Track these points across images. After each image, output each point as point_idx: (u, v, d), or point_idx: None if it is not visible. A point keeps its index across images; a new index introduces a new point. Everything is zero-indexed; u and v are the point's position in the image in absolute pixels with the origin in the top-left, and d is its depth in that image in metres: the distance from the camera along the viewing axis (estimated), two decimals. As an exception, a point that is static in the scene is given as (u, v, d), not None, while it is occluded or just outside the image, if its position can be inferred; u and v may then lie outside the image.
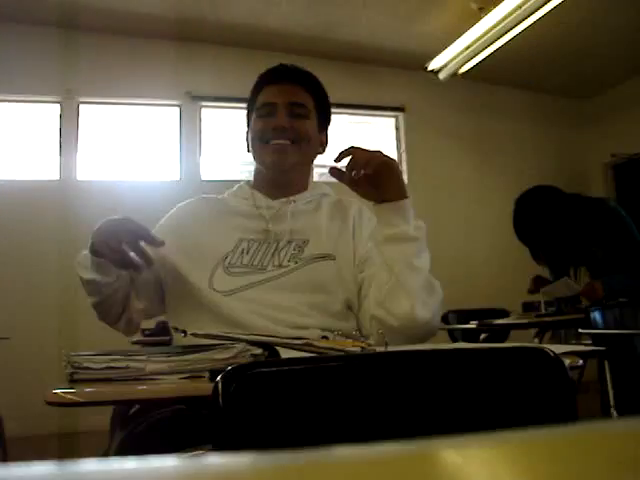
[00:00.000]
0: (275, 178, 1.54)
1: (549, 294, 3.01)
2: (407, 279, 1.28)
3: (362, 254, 1.47)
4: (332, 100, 1.62)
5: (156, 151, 5.52)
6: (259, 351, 0.92)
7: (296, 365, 0.80)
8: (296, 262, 1.42)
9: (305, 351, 0.92)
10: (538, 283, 3.13)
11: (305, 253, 1.43)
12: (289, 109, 1.50)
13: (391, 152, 6.18)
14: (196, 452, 0.95)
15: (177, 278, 1.44)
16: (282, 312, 1.33)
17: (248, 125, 1.58)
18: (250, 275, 1.39)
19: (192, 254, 1.45)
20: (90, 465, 0.22)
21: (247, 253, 1.43)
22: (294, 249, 1.44)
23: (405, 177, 6.11)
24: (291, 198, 1.54)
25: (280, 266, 1.41)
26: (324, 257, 1.44)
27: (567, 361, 0.83)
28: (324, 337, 1.17)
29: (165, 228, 1.53)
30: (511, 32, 4.81)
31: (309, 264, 1.42)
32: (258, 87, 1.56)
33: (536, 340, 2.88)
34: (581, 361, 0.93)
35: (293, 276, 1.39)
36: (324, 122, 1.59)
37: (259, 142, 1.51)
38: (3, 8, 4.86)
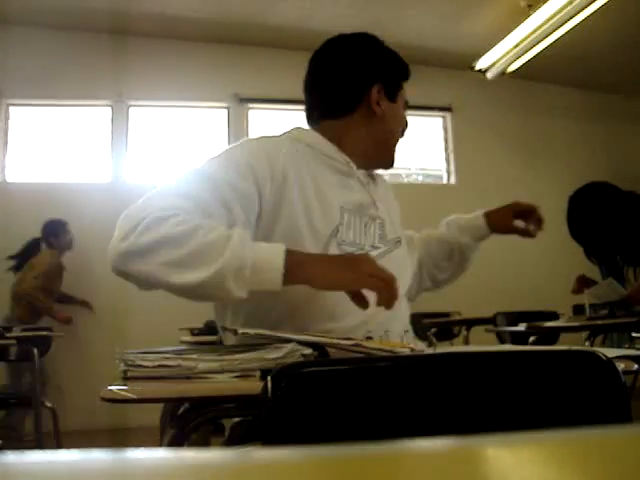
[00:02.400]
0: (374, 169, 1.49)
1: (594, 296, 2.92)
2: None
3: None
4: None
5: (205, 153, 5.58)
6: (309, 351, 0.93)
7: (345, 365, 0.80)
8: (384, 245, 1.38)
9: (354, 352, 0.92)
10: (582, 283, 3.04)
11: (388, 235, 1.40)
12: None
13: (439, 152, 6.14)
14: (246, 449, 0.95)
15: (292, 242, 1.18)
16: None
17: (376, 80, 1.44)
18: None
19: (304, 218, 1.26)
20: (141, 455, 0.23)
21: (350, 227, 1.32)
22: (379, 228, 1.38)
23: (453, 177, 6.06)
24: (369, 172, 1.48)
25: (373, 247, 1.35)
26: (398, 241, 1.43)
27: (621, 365, 0.82)
28: (368, 337, 1.17)
29: (261, 173, 1.24)
30: (561, 29, 4.71)
31: (394, 249, 1.40)
32: (405, 74, 1.53)
33: (587, 344, 2.82)
34: (636, 365, 0.91)
35: (386, 260, 1.29)
36: None
37: (400, 132, 1.49)
38: (56, 17, 4.99)
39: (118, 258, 1.05)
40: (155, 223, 1.05)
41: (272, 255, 1.04)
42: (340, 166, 1.37)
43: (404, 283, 1.37)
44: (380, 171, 1.54)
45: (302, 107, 1.50)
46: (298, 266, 1.05)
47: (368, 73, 1.44)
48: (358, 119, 1.42)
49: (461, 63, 5.51)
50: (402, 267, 1.39)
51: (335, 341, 0.95)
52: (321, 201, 1.29)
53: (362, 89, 1.42)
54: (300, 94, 1.51)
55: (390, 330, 1.26)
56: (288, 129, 1.42)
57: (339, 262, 1.13)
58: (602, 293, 2.86)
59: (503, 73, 5.44)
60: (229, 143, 5.58)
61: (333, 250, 1.25)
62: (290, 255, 1.04)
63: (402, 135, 1.49)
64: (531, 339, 3.18)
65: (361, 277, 1.07)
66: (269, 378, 0.71)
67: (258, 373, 0.87)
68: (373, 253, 1.30)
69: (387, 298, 1.05)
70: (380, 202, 1.42)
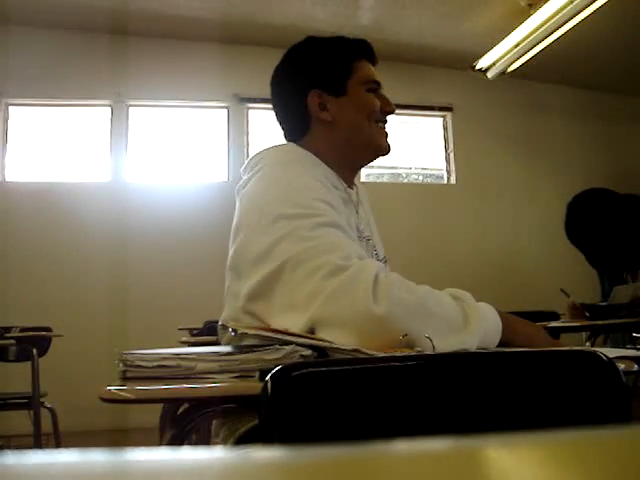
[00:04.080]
0: (367, 163, 1.40)
1: (616, 297, 2.88)
2: None
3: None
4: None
5: (204, 153, 5.60)
6: (308, 352, 0.93)
7: (344, 366, 0.80)
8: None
9: (353, 354, 0.92)
10: (578, 310, 2.97)
11: (379, 254, 1.39)
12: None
13: (439, 152, 6.13)
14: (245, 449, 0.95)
15: None
16: None
17: (310, 87, 1.34)
18: None
19: None
20: (141, 455, 0.23)
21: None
22: (372, 249, 1.37)
23: (453, 177, 6.05)
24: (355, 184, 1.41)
25: None
26: (386, 260, 1.42)
27: (621, 366, 0.81)
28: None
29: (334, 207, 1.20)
30: (562, 29, 4.71)
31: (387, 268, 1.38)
32: (353, 55, 1.36)
33: (588, 344, 2.82)
34: (636, 366, 0.91)
35: None
36: None
37: (373, 121, 1.34)
38: (56, 16, 4.99)
39: (377, 322, 1.02)
40: (392, 286, 1.05)
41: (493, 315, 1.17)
42: (341, 194, 1.29)
43: None
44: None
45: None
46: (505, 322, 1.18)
47: (299, 86, 1.35)
48: (316, 134, 1.34)
49: (461, 63, 5.51)
50: None
51: (335, 344, 0.95)
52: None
53: (300, 105, 1.34)
54: None
55: None
56: (279, 146, 1.34)
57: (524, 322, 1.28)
58: (624, 295, 2.84)
59: (503, 73, 5.44)
60: (229, 143, 5.58)
61: None
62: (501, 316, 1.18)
63: (382, 114, 1.35)
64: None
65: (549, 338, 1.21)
66: (269, 378, 0.71)
67: (257, 374, 0.87)
68: None
69: None
70: (367, 220, 1.40)
